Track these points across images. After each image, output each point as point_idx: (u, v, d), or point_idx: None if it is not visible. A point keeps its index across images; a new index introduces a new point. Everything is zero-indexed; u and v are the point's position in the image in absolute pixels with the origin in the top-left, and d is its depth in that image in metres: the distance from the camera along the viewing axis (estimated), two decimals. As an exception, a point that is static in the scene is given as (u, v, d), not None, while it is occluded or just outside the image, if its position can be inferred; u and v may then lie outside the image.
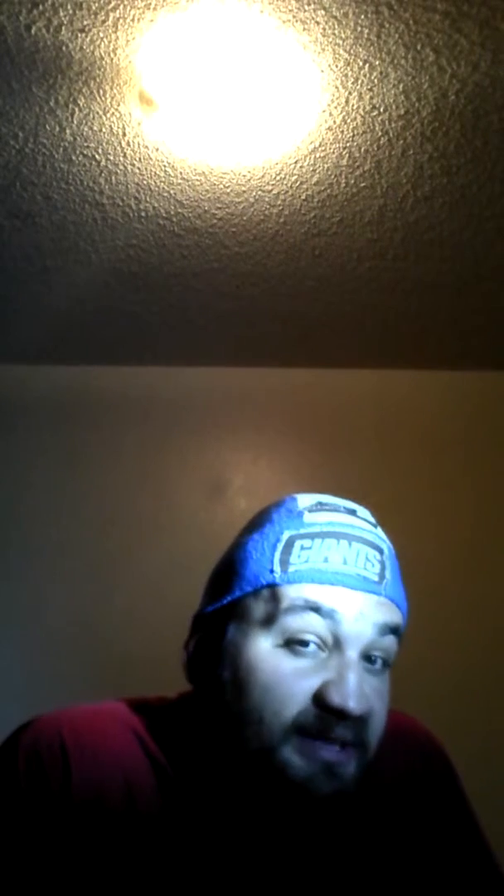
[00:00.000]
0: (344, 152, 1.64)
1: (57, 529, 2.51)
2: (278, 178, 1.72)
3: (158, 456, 2.57)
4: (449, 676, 2.36)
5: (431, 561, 2.48)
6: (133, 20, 1.32)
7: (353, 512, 0.81)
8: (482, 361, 2.57)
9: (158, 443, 2.58)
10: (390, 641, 0.77)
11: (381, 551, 0.79)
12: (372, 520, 0.83)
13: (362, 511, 0.83)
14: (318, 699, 0.73)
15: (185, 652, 0.83)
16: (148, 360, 2.58)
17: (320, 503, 0.81)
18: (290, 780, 0.72)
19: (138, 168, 1.69)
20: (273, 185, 1.74)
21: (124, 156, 1.65)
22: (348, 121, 1.55)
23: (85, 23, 1.33)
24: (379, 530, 0.82)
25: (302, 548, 0.77)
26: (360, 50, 1.38)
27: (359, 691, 0.72)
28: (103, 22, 1.32)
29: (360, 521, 0.81)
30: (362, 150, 1.63)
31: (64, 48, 1.38)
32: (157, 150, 1.63)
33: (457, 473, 2.56)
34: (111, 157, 1.66)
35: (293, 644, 0.74)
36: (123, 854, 0.77)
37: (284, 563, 0.76)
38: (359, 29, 1.33)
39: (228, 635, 0.78)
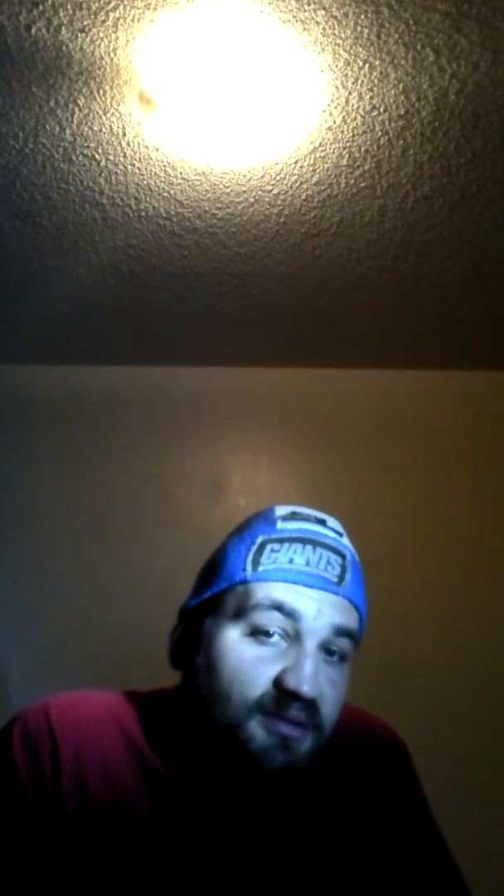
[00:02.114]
0: (344, 152, 1.64)
1: (57, 529, 2.51)
2: (278, 178, 1.72)
3: (158, 456, 2.58)
4: (447, 673, 2.36)
5: (430, 559, 2.49)
6: (133, 20, 1.32)
7: (322, 522, 0.91)
8: (482, 361, 2.57)
9: (158, 443, 2.58)
10: (345, 643, 0.86)
11: (343, 556, 0.88)
12: (339, 529, 0.92)
13: (332, 521, 0.92)
14: (278, 683, 0.82)
15: (169, 639, 0.93)
16: (148, 360, 2.58)
17: (294, 513, 0.91)
18: (250, 753, 0.81)
19: (138, 168, 1.69)
20: (273, 185, 1.74)
21: (124, 156, 1.65)
22: (348, 121, 1.55)
23: (85, 23, 1.33)
24: (344, 539, 0.92)
25: (271, 550, 0.87)
26: (360, 50, 1.38)
27: (312, 678, 0.82)
28: (103, 22, 1.33)
29: (328, 529, 0.90)
30: (362, 150, 1.63)
31: (64, 48, 1.38)
32: (157, 150, 1.63)
33: (456, 473, 2.56)
34: (111, 157, 1.66)
35: (259, 634, 0.84)
36: (103, 836, 0.84)
37: (255, 563, 0.86)
38: (359, 29, 1.33)
39: (205, 626, 0.89)
